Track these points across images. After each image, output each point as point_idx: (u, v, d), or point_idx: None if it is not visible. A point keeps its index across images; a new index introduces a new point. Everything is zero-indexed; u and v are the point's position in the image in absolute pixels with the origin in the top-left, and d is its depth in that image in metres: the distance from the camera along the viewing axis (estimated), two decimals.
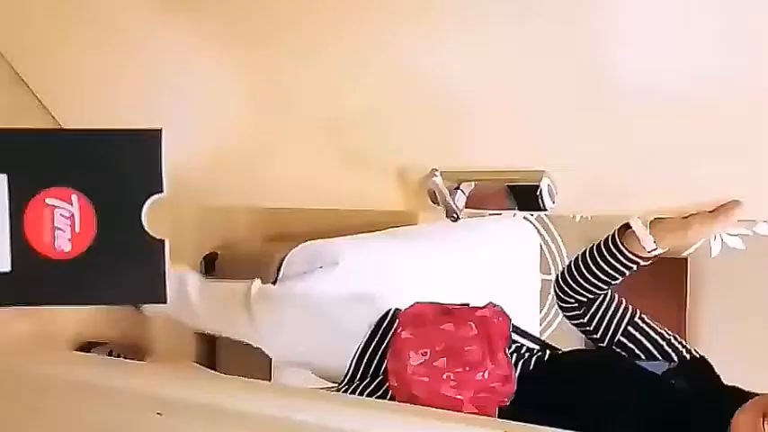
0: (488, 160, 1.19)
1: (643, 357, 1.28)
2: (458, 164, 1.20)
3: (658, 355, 1.27)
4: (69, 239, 0.73)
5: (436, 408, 1.18)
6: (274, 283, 1.84)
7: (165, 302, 0.76)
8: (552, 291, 1.38)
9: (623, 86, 1.00)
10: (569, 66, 1.01)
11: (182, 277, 1.68)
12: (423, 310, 1.36)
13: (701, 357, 1.27)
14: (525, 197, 1.17)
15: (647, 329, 1.29)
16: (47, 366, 1.29)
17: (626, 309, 1.32)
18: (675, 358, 1.26)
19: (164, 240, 0.74)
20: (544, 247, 2.65)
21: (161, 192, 0.74)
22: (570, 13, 0.94)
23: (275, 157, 1.40)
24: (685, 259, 2.63)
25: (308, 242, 1.92)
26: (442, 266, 2.07)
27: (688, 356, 1.27)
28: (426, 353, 1.24)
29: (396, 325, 1.35)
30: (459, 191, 1.21)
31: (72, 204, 0.73)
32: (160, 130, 0.74)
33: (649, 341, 1.28)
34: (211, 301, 1.67)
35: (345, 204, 1.48)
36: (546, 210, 1.16)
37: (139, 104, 1.45)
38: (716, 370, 1.25)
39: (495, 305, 1.35)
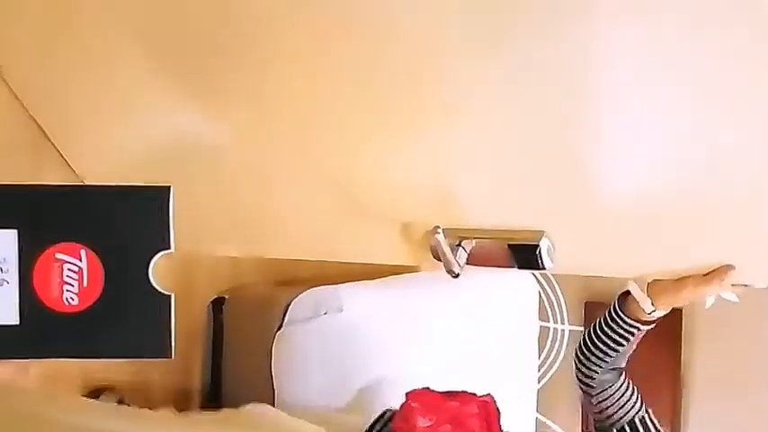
0: (489, 218, 1.22)
1: None
2: (459, 221, 1.23)
3: None
4: (77, 293, 0.73)
5: None
6: (280, 327, 1.86)
7: (170, 357, 0.76)
8: (573, 369, 1.39)
9: (622, 150, 1.03)
10: (569, 129, 1.04)
11: None
12: (428, 392, 1.41)
13: None
14: (525, 256, 1.19)
15: (651, 428, 1.30)
16: (52, 410, 1.30)
17: (636, 402, 1.32)
18: None
19: (170, 295, 0.75)
20: (542, 294, 2.66)
21: (169, 249, 0.74)
22: (570, 77, 0.97)
23: (281, 209, 1.43)
24: (680, 309, 2.64)
25: (314, 288, 1.95)
26: (443, 313, 2.09)
27: None
28: (433, 419, 1.29)
29: (405, 400, 1.40)
30: (460, 248, 1.24)
31: (80, 259, 0.73)
32: (169, 188, 0.75)
33: None
34: None
35: (350, 257, 1.51)
36: (545, 269, 1.18)
37: (146, 151, 1.48)
38: None
39: (493, 397, 1.39)
